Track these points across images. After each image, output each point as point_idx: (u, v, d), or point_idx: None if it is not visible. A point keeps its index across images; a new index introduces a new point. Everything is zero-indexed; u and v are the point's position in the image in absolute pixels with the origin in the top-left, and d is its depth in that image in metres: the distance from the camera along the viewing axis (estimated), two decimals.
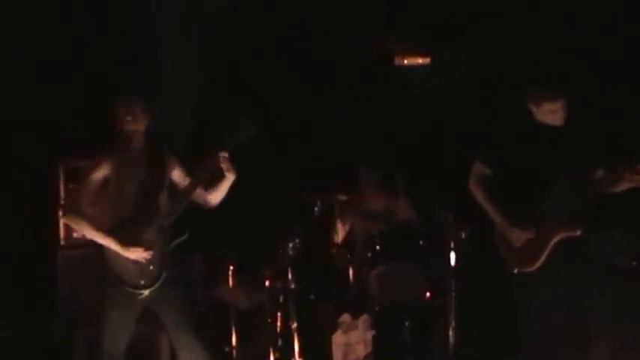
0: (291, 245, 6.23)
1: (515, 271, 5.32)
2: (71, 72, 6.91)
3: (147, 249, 5.11)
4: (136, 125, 5.18)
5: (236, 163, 5.25)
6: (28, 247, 6.71)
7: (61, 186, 6.52)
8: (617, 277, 5.46)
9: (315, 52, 7.60)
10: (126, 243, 5.09)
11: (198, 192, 5.33)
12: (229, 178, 5.30)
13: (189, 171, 5.35)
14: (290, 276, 6.24)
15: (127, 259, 5.11)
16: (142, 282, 5.14)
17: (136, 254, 5.10)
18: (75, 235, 6.35)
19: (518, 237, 5.30)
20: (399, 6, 7.41)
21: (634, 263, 5.80)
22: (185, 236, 5.25)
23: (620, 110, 6.26)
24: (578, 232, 5.15)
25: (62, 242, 6.49)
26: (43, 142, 6.77)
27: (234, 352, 6.52)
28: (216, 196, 5.41)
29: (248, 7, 7.31)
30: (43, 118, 6.82)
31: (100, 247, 5.16)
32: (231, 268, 6.52)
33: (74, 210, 5.20)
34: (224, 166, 5.22)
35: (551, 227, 5.19)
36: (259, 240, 6.70)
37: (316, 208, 6.49)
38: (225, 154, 5.18)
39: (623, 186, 5.06)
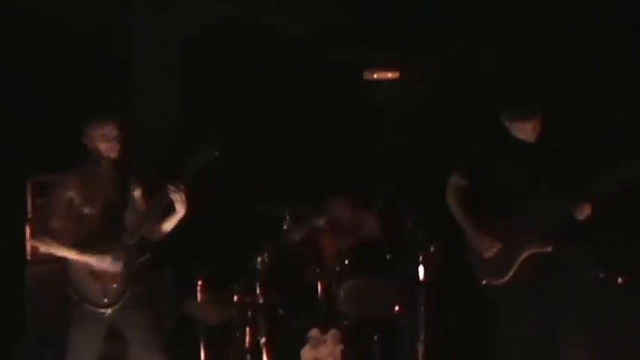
0: (260, 260, 6.21)
1: (484, 282, 5.34)
2: (40, 86, 6.86)
3: (120, 263, 5.08)
4: (110, 152, 5.15)
5: (205, 178, 5.21)
6: None
7: (29, 200, 6.48)
8: (587, 289, 5.49)
9: (287, 66, 7.60)
10: (101, 253, 5.05)
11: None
12: (178, 214, 5.21)
13: (146, 198, 5.29)
14: (259, 291, 6.22)
15: (90, 277, 5.07)
16: (105, 300, 5.10)
17: (107, 263, 5.05)
18: (42, 250, 6.28)
19: (486, 249, 5.31)
20: (369, 20, 7.42)
21: (602, 276, 5.83)
22: (148, 255, 5.22)
23: (593, 126, 6.30)
24: (549, 249, 5.18)
25: (29, 257, 6.44)
26: (10, 156, 6.70)
27: None
28: (160, 232, 5.31)
29: (221, 23, 7.30)
30: (10, 132, 6.75)
31: (64, 265, 5.12)
32: (200, 283, 6.50)
33: (43, 232, 5.18)
34: (174, 199, 5.12)
35: (522, 242, 5.22)
36: (228, 255, 6.69)
37: (285, 223, 6.47)
38: (174, 190, 5.09)
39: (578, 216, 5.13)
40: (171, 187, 5.10)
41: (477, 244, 5.35)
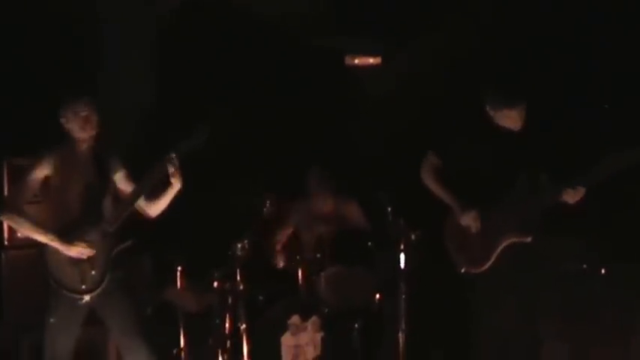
0: (239, 246, 6.19)
1: (463, 270, 5.33)
2: (17, 70, 6.78)
3: (90, 249, 5.03)
4: (85, 131, 5.10)
5: (185, 166, 5.18)
6: None
7: (5, 185, 6.42)
8: (568, 282, 5.51)
9: (265, 52, 7.55)
10: (67, 241, 5.01)
11: (140, 200, 5.25)
12: (174, 187, 5.21)
13: (135, 176, 5.27)
14: (239, 277, 6.20)
15: (67, 263, 5.04)
16: (83, 287, 5.07)
17: (77, 251, 5.02)
18: (19, 235, 6.24)
19: (468, 222, 5.29)
20: (350, 6, 7.38)
21: (584, 267, 5.85)
22: (129, 243, 5.18)
23: (577, 117, 6.31)
24: (529, 239, 5.18)
25: (6, 243, 6.40)
26: None
27: (183, 354, 6.48)
28: (157, 207, 5.32)
29: (199, 7, 7.23)
30: None
31: (41, 251, 5.07)
32: (180, 269, 6.49)
33: (13, 208, 5.10)
34: (171, 172, 5.13)
35: (501, 231, 5.21)
36: (208, 241, 6.66)
37: (265, 209, 6.44)
38: (174, 160, 5.10)
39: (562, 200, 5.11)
40: (171, 159, 5.07)
41: (460, 217, 5.31)
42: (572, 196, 5.06)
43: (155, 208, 5.33)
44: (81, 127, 5.08)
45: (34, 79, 6.75)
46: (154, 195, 5.28)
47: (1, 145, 6.56)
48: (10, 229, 6.32)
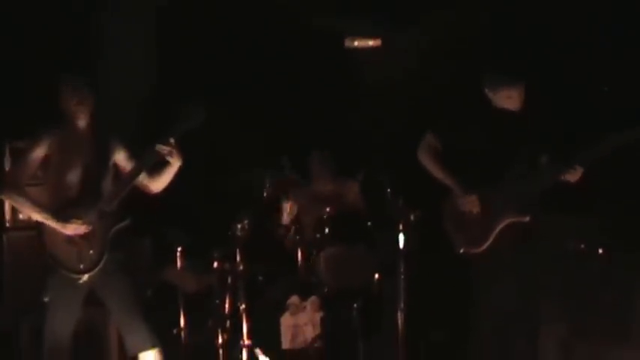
0: (239, 227, 6.21)
1: (462, 251, 5.34)
2: (18, 53, 6.79)
3: (86, 226, 5.05)
4: (81, 106, 5.11)
5: (185, 145, 5.20)
6: None
7: (7, 166, 6.43)
8: (567, 262, 5.51)
9: (265, 34, 7.55)
10: (63, 219, 5.03)
11: (141, 178, 5.26)
12: (174, 165, 5.22)
13: (134, 155, 5.28)
14: (239, 258, 6.22)
15: (65, 243, 5.06)
16: (81, 266, 5.08)
17: (73, 228, 5.03)
18: (21, 217, 6.27)
19: (467, 206, 5.30)
20: None
21: (583, 247, 5.86)
22: (127, 222, 5.20)
23: (575, 97, 6.30)
24: (527, 219, 5.19)
25: (7, 224, 6.41)
26: None
27: (183, 334, 6.51)
28: (158, 184, 5.33)
29: None
30: None
31: (39, 231, 5.09)
32: (180, 250, 6.51)
33: (12, 187, 5.11)
34: (169, 153, 5.13)
35: (500, 211, 5.22)
36: (208, 222, 6.68)
37: (265, 190, 6.47)
38: (172, 141, 5.12)
39: (562, 178, 5.12)
40: (169, 140, 5.09)
41: (458, 197, 5.32)
42: (572, 176, 5.07)
43: (157, 184, 5.34)
44: (75, 105, 5.09)
45: (36, 66, 6.76)
46: (155, 171, 5.29)
47: (3, 128, 6.58)
48: (12, 210, 6.33)
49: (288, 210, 6.87)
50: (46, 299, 5.10)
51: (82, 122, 5.15)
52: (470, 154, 5.32)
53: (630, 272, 5.75)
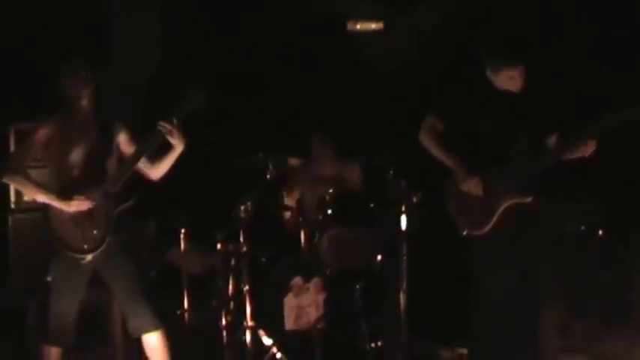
0: (243, 208, 6.22)
1: (465, 233, 5.36)
2: (24, 37, 6.80)
3: (89, 202, 5.07)
4: (82, 89, 5.13)
5: (188, 128, 5.22)
6: None
7: (12, 149, 6.46)
8: (566, 244, 5.53)
9: (268, 17, 7.55)
10: (66, 198, 5.06)
11: (143, 162, 5.29)
12: (177, 149, 5.24)
13: (136, 138, 5.30)
14: (242, 239, 6.22)
15: (69, 223, 5.08)
16: (85, 246, 5.10)
17: (76, 205, 5.05)
18: (26, 198, 6.29)
19: (469, 189, 5.31)
20: None
21: (582, 228, 5.87)
22: (130, 202, 5.22)
23: (575, 78, 6.31)
24: (528, 199, 5.21)
25: (13, 206, 6.44)
26: None
27: (186, 315, 6.55)
28: (159, 169, 5.35)
29: None
30: None
31: (44, 212, 5.13)
32: (183, 231, 6.54)
33: (15, 169, 5.14)
34: (172, 134, 5.16)
35: (502, 193, 5.23)
36: (211, 203, 6.70)
37: (268, 172, 6.49)
38: (174, 123, 5.14)
39: (576, 154, 5.11)
40: (171, 122, 5.12)
41: (460, 179, 5.32)
42: (585, 149, 5.06)
43: (157, 171, 5.36)
44: (76, 87, 5.10)
45: (41, 48, 6.78)
46: (156, 157, 5.31)
47: (9, 110, 6.60)
48: (17, 192, 6.36)
49: (293, 192, 6.91)
50: (54, 279, 5.14)
51: (83, 103, 5.17)
52: (472, 135, 5.32)
53: (629, 251, 5.78)
